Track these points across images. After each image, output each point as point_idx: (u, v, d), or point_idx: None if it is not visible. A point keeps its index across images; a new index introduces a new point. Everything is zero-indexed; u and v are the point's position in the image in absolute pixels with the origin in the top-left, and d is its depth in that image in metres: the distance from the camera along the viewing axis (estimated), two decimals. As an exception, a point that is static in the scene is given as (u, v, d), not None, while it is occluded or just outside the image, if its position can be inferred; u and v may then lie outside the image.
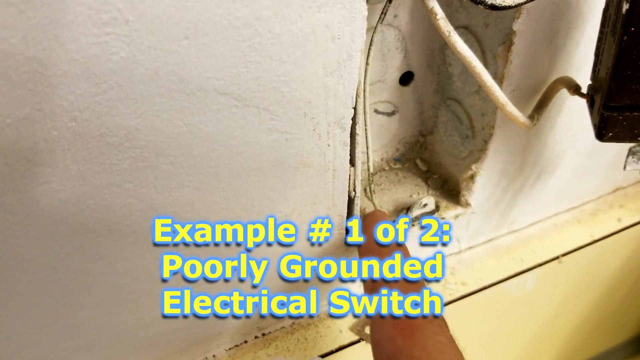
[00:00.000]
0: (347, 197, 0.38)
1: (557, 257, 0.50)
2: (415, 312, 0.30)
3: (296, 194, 0.35)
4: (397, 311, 0.30)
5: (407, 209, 0.43)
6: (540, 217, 0.53)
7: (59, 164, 0.26)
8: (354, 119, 0.34)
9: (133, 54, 0.25)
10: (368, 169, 0.40)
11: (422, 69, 0.46)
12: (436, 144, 0.49)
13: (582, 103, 0.36)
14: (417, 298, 0.31)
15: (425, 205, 0.43)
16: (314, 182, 0.35)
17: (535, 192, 0.49)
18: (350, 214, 0.39)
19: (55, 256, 0.30)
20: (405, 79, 0.46)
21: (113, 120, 0.26)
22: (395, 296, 0.31)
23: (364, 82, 0.34)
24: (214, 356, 0.42)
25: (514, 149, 0.43)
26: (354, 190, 0.38)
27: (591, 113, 0.36)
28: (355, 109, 0.34)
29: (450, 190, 0.47)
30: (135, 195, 0.30)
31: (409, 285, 0.32)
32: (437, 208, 0.44)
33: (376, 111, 0.46)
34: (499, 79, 0.38)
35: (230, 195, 0.33)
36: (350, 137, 0.35)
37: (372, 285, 0.33)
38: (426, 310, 0.30)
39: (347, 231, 0.40)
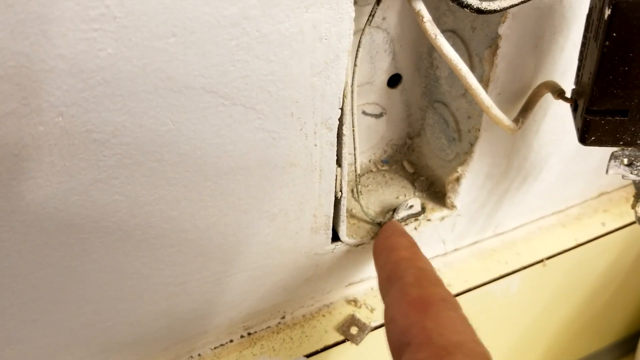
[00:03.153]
0: (334, 198, 0.38)
1: (541, 260, 0.51)
2: (430, 291, 0.30)
3: (283, 194, 0.36)
4: (411, 290, 0.31)
5: (394, 210, 0.43)
6: (526, 220, 0.54)
7: (45, 160, 0.27)
8: (341, 119, 0.34)
9: (120, 51, 0.25)
10: (355, 170, 0.41)
11: (410, 72, 0.46)
12: (423, 146, 0.49)
13: (567, 107, 0.37)
14: (431, 281, 0.32)
15: (411, 206, 0.43)
16: (301, 181, 0.36)
17: (520, 195, 0.50)
18: (336, 214, 0.40)
19: (40, 252, 0.30)
20: (393, 81, 0.46)
21: (100, 116, 0.27)
22: (411, 277, 0.32)
23: (352, 84, 0.35)
24: (199, 355, 0.42)
25: (499, 152, 0.44)
26: (341, 191, 0.38)
27: (575, 117, 0.36)
28: (342, 109, 0.34)
29: (437, 192, 0.47)
30: (121, 192, 0.30)
31: (423, 272, 0.32)
32: (423, 210, 0.44)
33: (364, 113, 0.46)
34: (484, 82, 0.39)
35: (217, 194, 0.33)
36: (337, 137, 0.35)
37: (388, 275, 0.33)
38: (440, 292, 0.31)
39: (334, 231, 0.41)
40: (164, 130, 0.29)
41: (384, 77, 0.45)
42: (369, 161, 0.49)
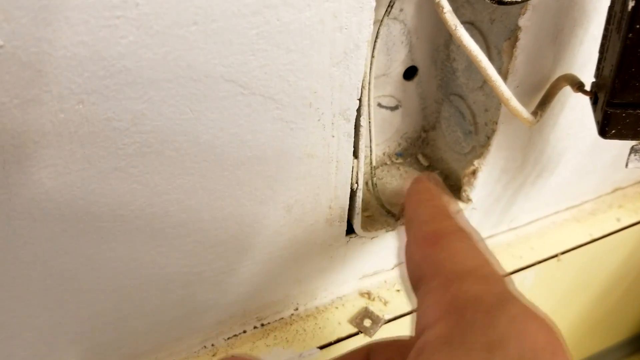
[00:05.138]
0: (350, 190, 0.38)
1: (556, 255, 0.51)
2: (443, 224, 0.30)
3: (299, 185, 0.36)
4: (426, 226, 0.30)
5: (409, 202, 0.43)
6: (540, 215, 0.53)
7: (65, 147, 0.27)
8: (358, 110, 0.34)
9: (142, 38, 0.25)
10: (370, 163, 0.41)
11: (426, 64, 0.46)
12: (438, 139, 0.49)
13: (585, 101, 0.37)
14: (447, 215, 0.31)
15: (426, 199, 0.43)
16: (317, 173, 0.36)
17: (535, 189, 0.49)
18: (351, 206, 0.40)
19: (58, 239, 0.30)
20: (409, 73, 0.46)
21: (120, 104, 0.27)
22: (426, 215, 0.31)
23: (370, 74, 0.34)
24: (212, 345, 0.42)
25: (516, 146, 0.43)
26: (357, 183, 0.38)
27: (594, 110, 0.36)
28: (360, 100, 0.34)
29: (452, 185, 0.47)
30: (139, 180, 0.30)
31: (439, 209, 0.32)
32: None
33: (379, 105, 0.46)
34: (503, 74, 0.38)
35: (234, 184, 0.33)
36: (355, 128, 0.35)
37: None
38: (455, 223, 0.30)
39: (350, 224, 0.40)
40: (183, 119, 0.29)
41: (399, 69, 0.45)
42: (383, 154, 0.49)
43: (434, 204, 0.33)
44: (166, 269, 0.35)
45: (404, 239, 0.33)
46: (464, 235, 0.30)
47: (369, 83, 0.35)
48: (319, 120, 0.33)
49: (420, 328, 0.24)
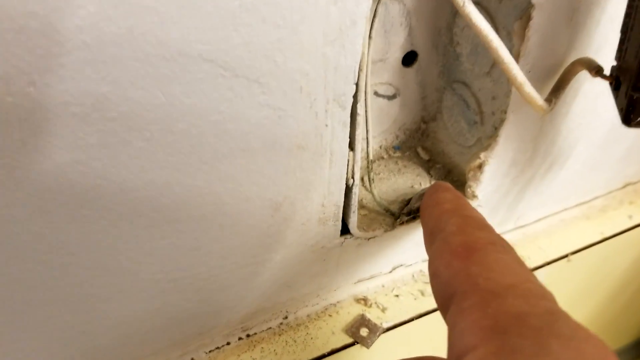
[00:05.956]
0: (345, 185, 0.35)
1: (566, 256, 0.48)
2: (474, 236, 0.27)
3: (288, 180, 0.32)
4: (454, 238, 0.27)
5: (408, 200, 0.40)
6: (548, 212, 0.51)
7: (14, 136, 0.23)
8: (355, 96, 0.31)
9: (103, 9, 0.22)
10: (367, 156, 0.38)
11: (426, 49, 0.43)
12: (439, 131, 0.46)
13: (600, 88, 0.34)
14: (476, 226, 0.28)
15: (428, 196, 0.40)
16: (309, 166, 0.32)
17: (544, 184, 0.46)
18: (347, 204, 0.37)
19: (14, 240, 0.26)
20: (408, 59, 0.43)
21: (79, 86, 0.23)
22: (453, 226, 0.28)
23: (367, 57, 0.31)
24: (192, 359, 0.39)
25: (525, 137, 0.40)
26: (352, 178, 0.35)
27: (616, 97, 0.33)
28: (357, 85, 0.31)
29: (455, 181, 0.44)
30: (104, 175, 0.26)
31: (467, 219, 0.29)
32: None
33: (376, 93, 0.43)
34: (514, 58, 0.36)
35: (214, 179, 0.30)
36: (351, 117, 0.32)
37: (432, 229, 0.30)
38: (487, 235, 0.27)
39: (344, 223, 0.37)
40: (154, 105, 0.25)
41: (398, 54, 0.42)
42: (380, 147, 0.46)
43: (461, 214, 0.30)
44: (137, 276, 0.32)
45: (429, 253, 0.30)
46: (500, 247, 0.27)
47: (367, 66, 0.32)
48: (310, 107, 0.30)
49: (456, 353, 0.21)
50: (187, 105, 0.26)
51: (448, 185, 0.35)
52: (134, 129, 0.26)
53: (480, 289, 0.23)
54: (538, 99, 0.34)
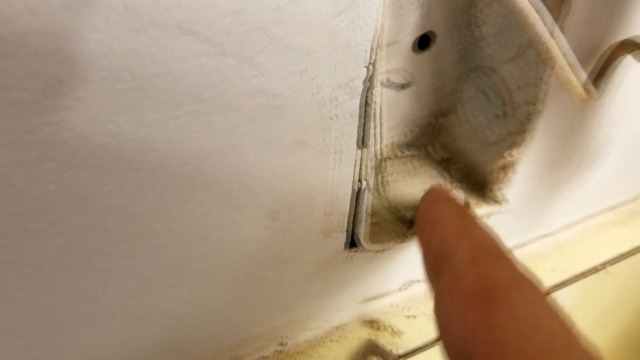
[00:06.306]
0: (353, 190, 0.30)
1: (603, 267, 0.43)
2: (492, 272, 0.22)
3: (287, 184, 0.28)
4: (467, 274, 0.22)
5: (427, 205, 0.35)
6: (577, 217, 0.46)
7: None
8: (370, 81, 0.26)
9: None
10: (380, 154, 0.33)
11: (443, 31, 0.38)
12: (457, 126, 0.41)
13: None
14: (493, 253, 0.23)
15: (450, 201, 0.35)
16: (312, 167, 0.28)
17: (576, 186, 0.42)
18: (355, 211, 0.32)
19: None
20: (422, 43, 0.39)
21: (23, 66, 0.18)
22: (464, 254, 0.23)
23: (384, 32, 0.27)
24: (174, 395, 0.34)
25: (560, 131, 0.36)
26: (364, 181, 0.30)
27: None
28: (373, 67, 0.26)
29: (476, 183, 0.39)
30: (57, 180, 0.22)
31: (479, 243, 0.24)
32: (467, 205, 0.36)
33: (386, 82, 0.38)
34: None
35: (197, 183, 0.25)
36: (362, 107, 0.27)
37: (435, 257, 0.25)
38: (508, 270, 0.22)
39: (352, 234, 0.33)
40: (120, 90, 0.21)
41: (411, 37, 0.38)
42: (391, 145, 0.42)
43: (471, 235, 0.25)
44: (102, 301, 0.27)
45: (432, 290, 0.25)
46: (526, 285, 0.22)
47: (381, 46, 0.27)
48: (314, 94, 0.25)
49: None
50: (162, 92, 0.22)
51: (447, 192, 0.30)
52: (97, 121, 0.21)
53: (511, 351, 0.18)
54: (580, 86, 0.29)
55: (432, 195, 0.30)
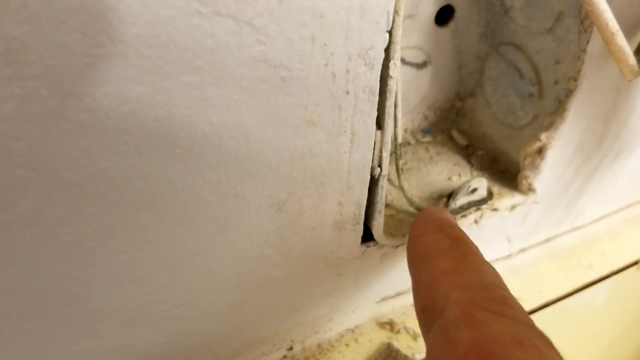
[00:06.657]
0: (369, 177, 0.27)
1: (636, 263, 0.40)
2: (489, 332, 0.19)
3: (294, 170, 0.25)
4: (459, 334, 0.20)
5: (449, 195, 0.32)
6: (610, 209, 0.43)
7: None
8: (388, 51, 0.23)
9: None
10: (395, 138, 0.30)
11: (466, 2, 0.35)
12: (479, 109, 0.38)
13: None
14: (490, 308, 0.20)
15: (474, 190, 0.32)
16: (322, 150, 0.25)
17: (609, 175, 0.39)
18: (371, 201, 0.29)
19: None
20: (442, 16, 0.35)
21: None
22: (456, 309, 0.21)
23: (402, -3, 0.23)
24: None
25: (596, 113, 0.33)
26: (379, 166, 0.27)
27: None
28: (391, 34, 0.23)
29: (501, 171, 0.36)
30: (24, 164, 0.18)
31: (473, 296, 0.21)
32: (490, 195, 0.33)
33: (402, 61, 0.35)
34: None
35: (192, 168, 0.22)
36: (381, 81, 0.24)
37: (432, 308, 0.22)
38: (507, 327, 0.19)
39: (366, 226, 0.30)
40: (96, 57, 0.17)
41: (430, 10, 0.34)
42: (405, 130, 0.38)
43: (465, 282, 0.22)
44: (90, 304, 0.24)
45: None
46: (525, 346, 0.19)
47: (399, 11, 0.24)
48: (326, 65, 0.22)
49: None
50: (147, 58, 0.18)
51: (440, 219, 0.27)
52: (70, 94, 0.18)
53: None
54: (633, 56, 0.26)
55: (422, 224, 0.27)
